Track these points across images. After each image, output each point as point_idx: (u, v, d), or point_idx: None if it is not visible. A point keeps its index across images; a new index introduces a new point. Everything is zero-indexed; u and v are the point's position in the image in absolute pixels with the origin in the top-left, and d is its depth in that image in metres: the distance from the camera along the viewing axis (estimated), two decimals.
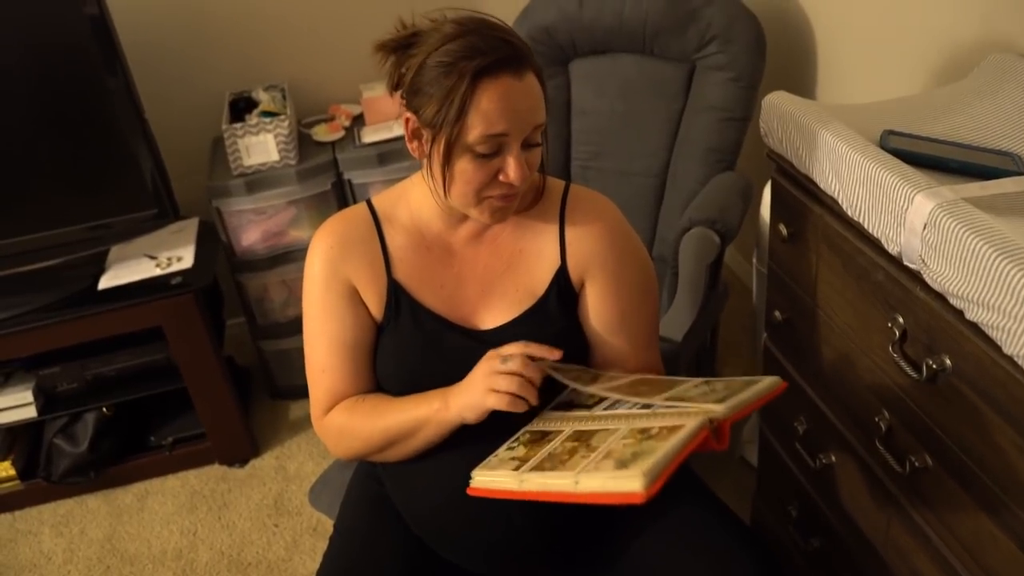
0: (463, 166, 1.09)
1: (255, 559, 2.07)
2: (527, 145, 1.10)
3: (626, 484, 0.86)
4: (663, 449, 0.88)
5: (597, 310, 1.22)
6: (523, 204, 1.23)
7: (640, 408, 1.02)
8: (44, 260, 2.10)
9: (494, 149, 1.08)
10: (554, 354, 1.10)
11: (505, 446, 1.08)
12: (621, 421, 1.00)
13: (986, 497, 0.97)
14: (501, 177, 1.10)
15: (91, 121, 2.02)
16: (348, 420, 1.22)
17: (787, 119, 1.23)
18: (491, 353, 1.11)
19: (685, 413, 0.95)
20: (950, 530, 1.06)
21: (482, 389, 1.08)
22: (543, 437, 1.06)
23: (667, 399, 1.02)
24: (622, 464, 0.90)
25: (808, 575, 1.52)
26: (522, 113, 1.07)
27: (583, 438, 1.00)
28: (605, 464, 0.91)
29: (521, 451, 1.04)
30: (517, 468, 1.00)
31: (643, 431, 0.95)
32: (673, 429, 0.92)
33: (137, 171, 2.06)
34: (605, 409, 1.07)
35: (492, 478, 1.02)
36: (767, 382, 1.02)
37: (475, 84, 1.04)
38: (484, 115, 1.05)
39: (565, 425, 1.06)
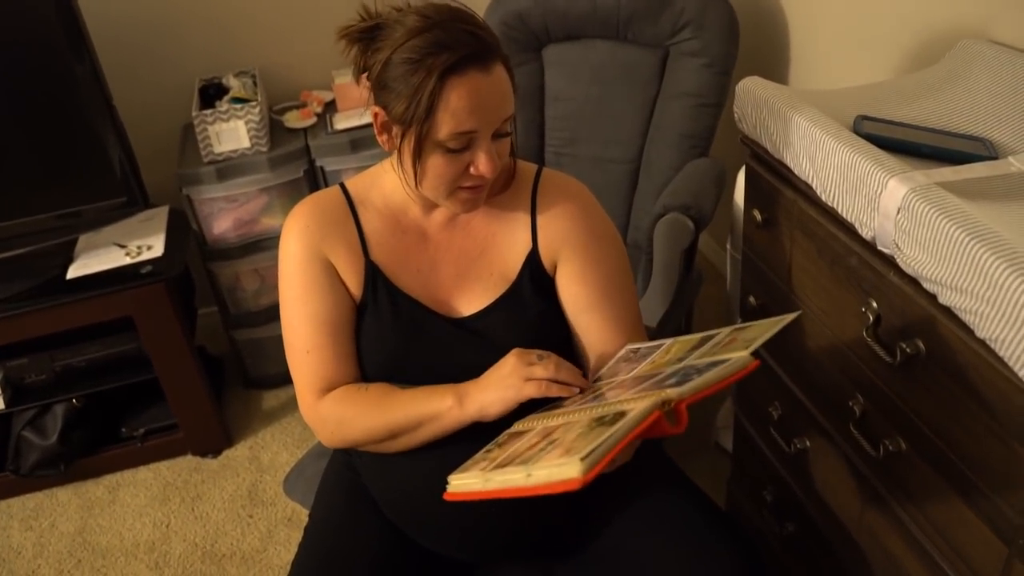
0: (434, 161, 1.09)
1: (229, 550, 2.05)
2: (497, 135, 1.10)
3: (565, 471, 0.85)
4: (606, 433, 0.87)
5: (572, 290, 1.21)
6: (495, 188, 1.22)
7: (612, 401, 1.01)
8: (11, 249, 2.06)
9: (464, 144, 1.07)
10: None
11: (484, 449, 1.08)
12: (585, 413, 1.00)
13: (959, 480, 0.97)
14: (472, 170, 1.10)
15: (58, 108, 1.98)
16: (349, 410, 1.18)
17: (761, 104, 1.23)
18: (520, 350, 1.10)
19: (642, 397, 0.94)
20: (923, 513, 1.07)
21: (517, 380, 1.07)
22: (517, 437, 1.05)
23: (640, 388, 1.00)
24: (566, 452, 0.88)
25: (783, 559, 1.53)
26: (491, 108, 1.06)
27: (548, 434, 0.99)
28: (554, 454, 0.90)
29: (495, 452, 1.04)
30: (484, 469, 0.99)
31: (599, 419, 0.94)
32: (624, 415, 0.91)
33: (105, 159, 2.03)
34: (581, 404, 1.06)
35: (464, 480, 1.01)
36: (734, 362, 0.97)
37: (443, 82, 1.03)
38: (453, 113, 1.04)
39: (538, 423, 1.06)
